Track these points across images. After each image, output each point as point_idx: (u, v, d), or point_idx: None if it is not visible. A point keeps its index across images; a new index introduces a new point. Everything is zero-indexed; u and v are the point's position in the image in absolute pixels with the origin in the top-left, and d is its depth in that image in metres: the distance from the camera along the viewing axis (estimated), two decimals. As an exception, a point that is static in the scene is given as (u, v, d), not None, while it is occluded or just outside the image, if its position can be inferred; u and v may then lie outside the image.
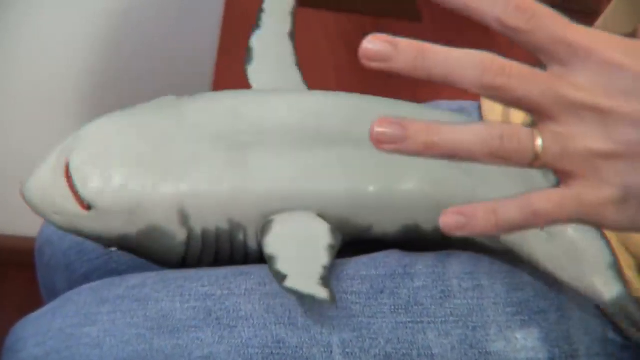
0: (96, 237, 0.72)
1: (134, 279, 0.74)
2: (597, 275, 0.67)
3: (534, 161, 0.51)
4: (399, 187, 0.71)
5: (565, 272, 0.68)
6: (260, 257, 0.74)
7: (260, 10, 0.82)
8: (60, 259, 0.91)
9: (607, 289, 0.67)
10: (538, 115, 0.51)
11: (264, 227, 0.71)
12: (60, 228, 0.73)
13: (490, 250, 0.72)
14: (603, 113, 0.50)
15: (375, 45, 0.48)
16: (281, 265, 0.67)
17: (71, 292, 0.76)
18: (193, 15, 1.52)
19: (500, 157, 0.50)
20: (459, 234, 0.50)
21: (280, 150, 0.71)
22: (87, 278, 0.88)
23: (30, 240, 1.70)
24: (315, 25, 1.64)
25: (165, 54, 1.53)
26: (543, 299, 0.69)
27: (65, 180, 0.72)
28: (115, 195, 0.70)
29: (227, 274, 0.72)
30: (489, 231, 0.50)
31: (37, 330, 0.74)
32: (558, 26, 0.49)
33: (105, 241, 0.72)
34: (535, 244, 0.69)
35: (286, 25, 0.81)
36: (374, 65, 0.49)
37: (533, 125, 0.51)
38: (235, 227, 0.71)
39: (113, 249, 0.74)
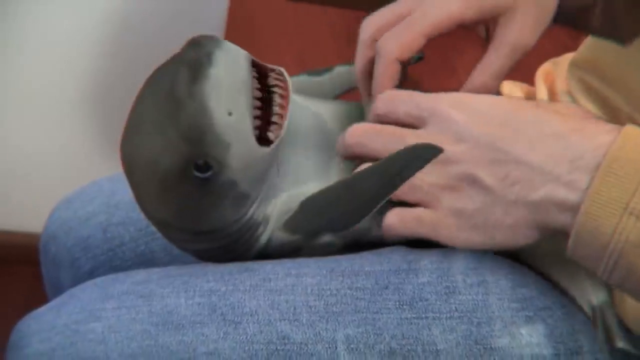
0: (232, 166, 0.66)
1: (138, 275, 0.74)
2: (589, 279, 0.69)
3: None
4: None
5: (558, 270, 0.68)
6: (263, 255, 0.74)
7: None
8: (65, 255, 0.91)
9: (595, 293, 0.68)
10: None
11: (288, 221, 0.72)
12: (207, 129, 0.64)
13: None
14: (441, 156, 0.65)
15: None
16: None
17: (76, 288, 0.76)
18: (197, 16, 1.52)
19: None
20: None
21: (308, 152, 0.72)
22: (91, 274, 0.88)
23: (35, 237, 1.70)
24: (321, 22, 1.64)
25: (169, 55, 1.54)
26: (548, 295, 0.69)
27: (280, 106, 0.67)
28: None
29: (231, 270, 0.72)
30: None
31: (41, 326, 0.74)
32: (409, 100, 0.68)
33: (224, 169, 0.66)
34: (536, 249, 0.69)
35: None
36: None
37: None
38: (265, 219, 0.71)
39: (206, 174, 0.65)
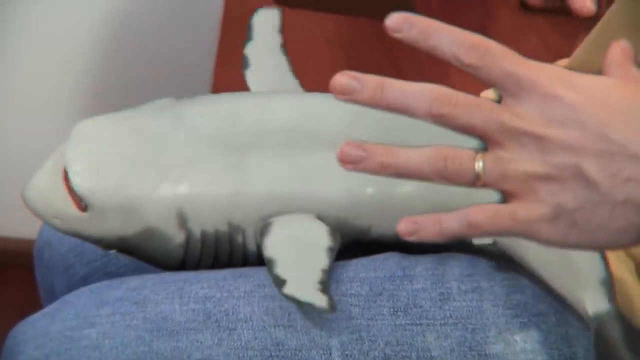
0: (95, 240, 0.72)
1: (133, 281, 0.74)
2: (588, 290, 0.66)
3: (476, 181, 0.56)
4: (397, 190, 0.71)
5: (557, 280, 0.67)
6: (259, 259, 0.74)
7: (249, 26, 0.83)
8: (59, 261, 0.91)
9: (595, 306, 0.66)
10: (485, 140, 0.57)
11: (263, 229, 0.71)
12: (61, 231, 0.73)
13: (488, 252, 0.72)
14: (540, 139, 0.55)
15: (343, 80, 0.55)
16: (280, 270, 0.67)
17: (70, 294, 0.76)
18: (192, 18, 1.52)
19: (444, 176, 0.56)
20: (411, 239, 0.56)
21: (279, 152, 0.71)
22: (86, 280, 0.88)
23: (30, 243, 1.70)
24: (314, 28, 1.64)
25: (165, 57, 1.54)
26: (542, 301, 0.69)
27: (63, 182, 0.72)
28: (109, 193, 0.70)
29: (226, 276, 0.72)
30: (435, 238, 0.57)
31: (36, 332, 0.74)
32: (508, 62, 0.55)
33: (104, 243, 0.72)
34: (530, 250, 0.68)
35: (276, 39, 0.82)
36: (341, 98, 0.55)
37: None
38: (235, 229, 0.71)
39: (112, 251, 0.74)
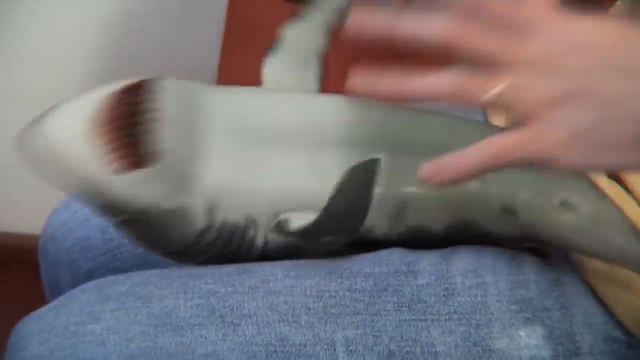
0: (113, 204, 0.69)
1: (137, 277, 0.74)
2: (624, 238, 0.69)
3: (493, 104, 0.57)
4: (402, 190, 0.71)
5: (592, 242, 0.69)
6: (261, 256, 0.74)
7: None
8: (64, 256, 0.91)
9: (636, 249, 0.68)
10: (498, 69, 0.58)
11: (279, 225, 0.71)
12: (76, 187, 0.69)
13: (499, 238, 0.72)
14: (551, 66, 0.57)
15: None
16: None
17: (75, 289, 0.76)
18: (196, 17, 1.52)
19: (462, 96, 0.58)
20: (434, 181, 0.57)
21: (293, 150, 0.71)
22: (90, 275, 0.88)
23: (34, 238, 1.70)
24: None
25: (168, 55, 1.54)
26: (547, 297, 0.69)
27: (118, 131, 0.69)
28: (178, 159, 0.69)
29: (230, 272, 0.72)
30: (459, 176, 0.57)
31: (40, 328, 0.74)
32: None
33: (119, 210, 0.70)
34: (562, 220, 0.69)
35: (329, 19, 0.82)
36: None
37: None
38: (250, 222, 0.71)
39: (119, 218, 0.71)
